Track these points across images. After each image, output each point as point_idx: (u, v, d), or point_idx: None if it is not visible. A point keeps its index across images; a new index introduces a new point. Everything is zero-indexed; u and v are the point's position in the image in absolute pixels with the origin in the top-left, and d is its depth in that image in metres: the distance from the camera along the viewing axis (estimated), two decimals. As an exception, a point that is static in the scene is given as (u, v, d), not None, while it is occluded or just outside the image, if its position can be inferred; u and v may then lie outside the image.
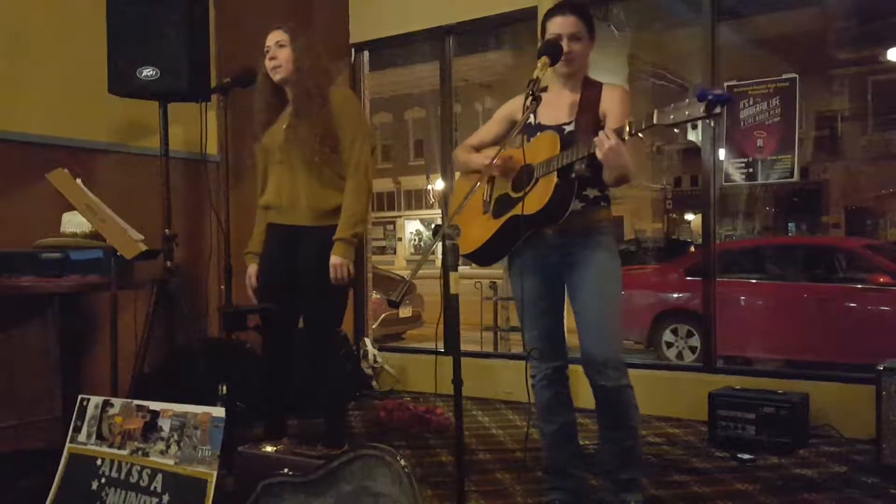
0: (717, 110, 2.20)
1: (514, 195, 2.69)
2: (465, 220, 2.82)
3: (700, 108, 2.21)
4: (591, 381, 2.68)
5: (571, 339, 2.82)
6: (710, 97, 2.18)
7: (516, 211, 2.61)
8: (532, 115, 2.72)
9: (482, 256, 2.80)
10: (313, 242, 3.21)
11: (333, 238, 3.16)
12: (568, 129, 2.67)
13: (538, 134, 2.71)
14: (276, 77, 3.24)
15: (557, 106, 2.74)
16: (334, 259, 3.16)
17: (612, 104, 2.66)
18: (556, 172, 2.54)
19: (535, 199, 2.58)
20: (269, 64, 3.23)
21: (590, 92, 2.71)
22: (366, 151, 3.23)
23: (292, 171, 3.23)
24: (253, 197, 3.55)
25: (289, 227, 3.29)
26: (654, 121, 2.32)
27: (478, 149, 2.95)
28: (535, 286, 2.79)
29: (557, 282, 2.77)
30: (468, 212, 2.84)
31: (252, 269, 3.41)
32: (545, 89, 2.78)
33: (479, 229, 2.79)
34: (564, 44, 2.65)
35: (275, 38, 3.24)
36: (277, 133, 3.27)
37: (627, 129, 2.38)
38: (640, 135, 2.40)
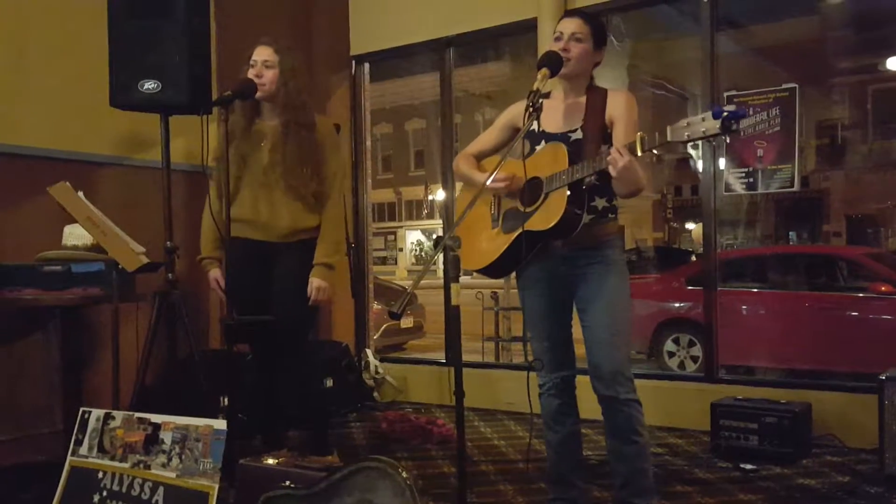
0: (735, 127, 2.15)
1: (523, 210, 2.66)
2: (472, 235, 2.82)
3: (716, 125, 2.15)
4: (597, 393, 2.67)
5: (579, 349, 2.82)
6: (725, 113, 2.14)
7: (527, 226, 2.59)
8: (536, 123, 2.72)
9: (494, 271, 2.80)
10: (291, 257, 3.32)
11: (316, 262, 3.31)
12: (574, 136, 2.65)
13: (542, 143, 2.70)
14: (258, 94, 3.26)
15: (561, 112, 2.72)
16: (318, 282, 3.30)
17: (618, 110, 2.62)
18: (566, 187, 2.51)
19: (547, 215, 2.55)
20: (254, 80, 3.25)
21: (595, 98, 2.68)
22: (344, 180, 3.46)
23: (273, 192, 3.30)
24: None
25: (261, 242, 3.34)
26: (669, 137, 2.26)
27: (478, 157, 2.94)
28: (543, 298, 2.78)
29: (566, 294, 2.76)
30: (475, 226, 2.84)
31: (216, 272, 3.42)
32: (548, 95, 2.78)
33: (489, 244, 2.78)
34: (563, 43, 2.64)
35: (263, 55, 3.27)
36: (259, 150, 3.31)
37: (639, 145, 2.34)
38: (654, 151, 2.36)
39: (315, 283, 3.30)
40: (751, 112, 4.42)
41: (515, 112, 2.80)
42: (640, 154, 2.35)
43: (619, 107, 2.64)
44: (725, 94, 4.54)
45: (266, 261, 3.34)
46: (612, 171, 2.38)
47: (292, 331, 3.36)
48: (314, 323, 3.47)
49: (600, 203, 2.66)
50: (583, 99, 2.71)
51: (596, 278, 2.67)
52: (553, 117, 2.72)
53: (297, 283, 3.30)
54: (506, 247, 2.69)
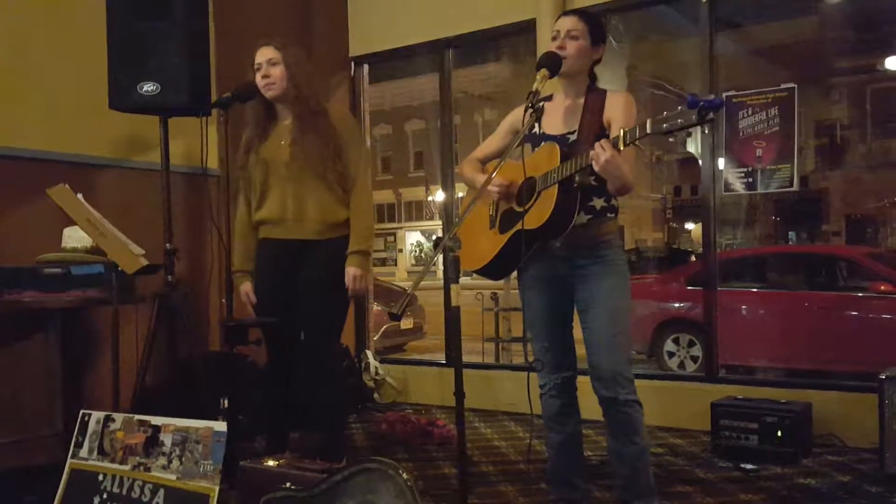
0: (710, 116, 2.18)
1: (518, 209, 2.68)
2: (472, 236, 2.83)
3: (692, 116, 2.19)
4: (598, 394, 2.67)
5: (579, 349, 2.82)
6: (701, 103, 2.16)
7: (520, 226, 2.60)
8: (536, 126, 2.73)
9: (491, 271, 2.82)
10: (320, 255, 3.27)
11: (350, 251, 3.26)
12: (571, 138, 2.66)
13: (542, 144, 2.71)
14: (270, 94, 3.25)
15: (561, 115, 2.74)
16: (354, 270, 3.25)
17: (616, 111, 2.63)
18: (556, 185, 2.53)
19: (538, 213, 2.57)
20: (261, 82, 3.24)
21: (593, 99, 2.69)
22: (368, 168, 3.35)
23: (300, 186, 3.26)
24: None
25: (290, 240, 3.30)
26: (648, 130, 2.30)
27: (483, 162, 2.96)
28: (543, 298, 2.79)
29: (566, 294, 2.77)
30: (475, 227, 2.85)
31: (247, 286, 3.37)
32: (550, 97, 2.79)
33: (486, 245, 2.79)
34: (559, 41, 2.65)
35: (266, 55, 3.25)
36: (279, 149, 3.28)
37: (622, 139, 2.36)
38: (637, 144, 2.39)
39: (351, 271, 3.24)
40: (750, 112, 4.42)
41: (518, 116, 2.81)
42: (622, 148, 2.37)
43: (616, 108, 2.65)
44: (724, 95, 4.55)
45: (293, 260, 3.30)
46: (596, 166, 2.40)
47: (322, 330, 3.33)
48: (341, 321, 3.39)
49: (598, 203, 2.67)
50: (582, 100, 2.72)
51: (595, 279, 2.68)
52: (553, 119, 2.74)
53: (324, 280, 3.26)
54: (501, 246, 2.70)
